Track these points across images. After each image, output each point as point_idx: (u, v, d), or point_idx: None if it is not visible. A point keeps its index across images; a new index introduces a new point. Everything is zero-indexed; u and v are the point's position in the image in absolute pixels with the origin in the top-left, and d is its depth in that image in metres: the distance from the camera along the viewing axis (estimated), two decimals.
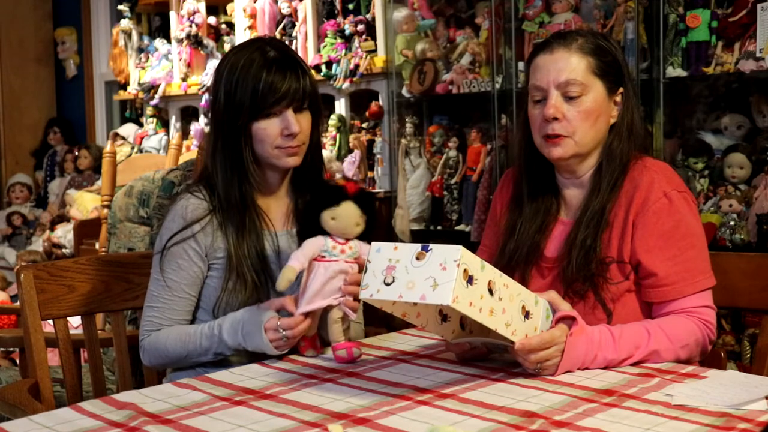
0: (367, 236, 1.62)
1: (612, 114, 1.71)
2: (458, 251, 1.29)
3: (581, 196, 1.73)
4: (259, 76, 1.66)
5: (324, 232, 1.60)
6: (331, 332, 1.61)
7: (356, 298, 1.59)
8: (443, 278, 1.28)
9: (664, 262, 1.62)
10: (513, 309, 1.41)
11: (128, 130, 5.18)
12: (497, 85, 3.24)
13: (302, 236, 1.62)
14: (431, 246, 1.32)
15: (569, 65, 1.65)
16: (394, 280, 1.32)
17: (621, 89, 1.71)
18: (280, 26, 4.12)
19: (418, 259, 1.32)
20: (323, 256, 1.59)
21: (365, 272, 1.37)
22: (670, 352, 1.55)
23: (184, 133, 4.74)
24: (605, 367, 1.50)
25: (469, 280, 1.31)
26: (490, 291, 1.36)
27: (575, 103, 1.65)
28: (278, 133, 1.69)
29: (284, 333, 1.57)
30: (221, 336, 1.64)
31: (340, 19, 3.86)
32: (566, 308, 1.50)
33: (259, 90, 1.65)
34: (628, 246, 1.64)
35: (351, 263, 1.60)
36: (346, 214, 1.58)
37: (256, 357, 1.64)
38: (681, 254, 1.62)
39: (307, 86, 1.69)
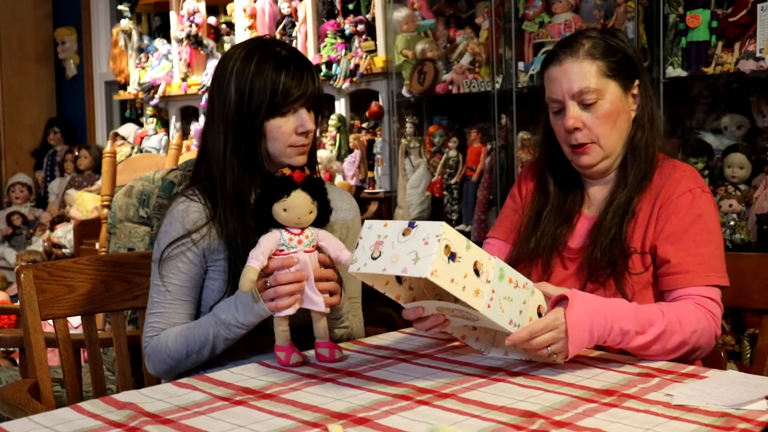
0: (320, 221, 1.61)
1: (632, 108, 1.74)
2: (440, 227, 1.33)
3: (606, 191, 1.76)
4: (277, 76, 1.67)
5: (278, 225, 1.58)
6: (316, 329, 1.60)
7: (332, 293, 1.60)
8: (424, 252, 1.32)
9: (678, 252, 1.64)
10: (507, 291, 1.42)
11: (128, 130, 5.18)
12: (497, 85, 3.24)
13: (257, 232, 1.60)
14: (417, 223, 1.37)
15: (580, 74, 1.67)
16: (380, 255, 1.38)
17: (637, 81, 1.73)
18: (280, 26, 4.12)
19: (404, 234, 1.37)
20: (281, 250, 1.57)
21: (356, 247, 1.43)
22: (678, 335, 1.54)
23: (184, 133, 4.75)
24: (620, 342, 1.50)
25: (451, 256, 1.33)
26: (476, 272, 1.37)
27: (593, 110, 1.68)
28: (292, 130, 1.71)
29: (268, 280, 1.56)
30: (217, 316, 1.64)
31: (340, 19, 3.87)
32: (558, 292, 1.50)
33: (279, 90, 1.67)
34: (651, 238, 1.67)
35: (310, 252, 1.58)
36: (298, 204, 1.56)
37: (255, 348, 1.65)
38: (696, 248, 1.64)
39: (320, 89, 1.74)
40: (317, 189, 1.58)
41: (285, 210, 1.56)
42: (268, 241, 1.56)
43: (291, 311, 1.57)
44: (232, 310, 1.62)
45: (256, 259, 1.54)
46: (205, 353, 1.67)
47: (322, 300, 1.57)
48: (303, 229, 1.58)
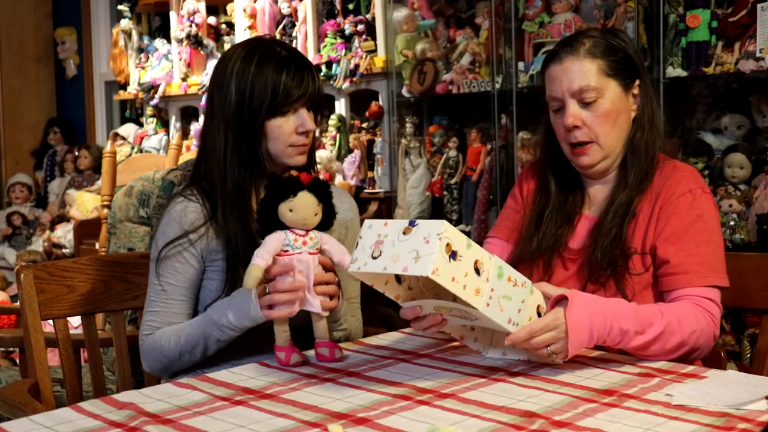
0: (325, 225, 1.60)
1: (632, 108, 1.74)
2: (441, 225, 1.33)
3: (607, 191, 1.76)
4: (278, 76, 1.67)
5: (283, 226, 1.58)
6: (316, 329, 1.60)
7: (332, 297, 1.59)
8: (425, 251, 1.32)
9: (678, 252, 1.64)
10: (505, 290, 1.42)
11: (128, 130, 5.19)
12: (497, 85, 3.24)
13: (262, 233, 1.60)
14: (418, 221, 1.37)
15: (580, 72, 1.68)
16: (380, 254, 1.37)
17: (637, 81, 1.73)
18: (280, 26, 4.12)
19: (404, 233, 1.37)
20: (286, 251, 1.57)
21: (356, 247, 1.43)
22: (677, 335, 1.54)
23: (184, 133, 4.75)
24: (619, 342, 1.50)
25: (452, 255, 1.33)
26: (477, 270, 1.37)
27: (592, 108, 1.68)
28: (293, 130, 1.71)
29: (267, 287, 1.55)
30: (210, 317, 1.64)
31: (340, 19, 3.87)
32: (558, 292, 1.50)
33: (279, 90, 1.67)
34: (651, 239, 1.67)
35: (314, 254, 1.58)
36: (303, 205, 1.56)
37: (252, 349, 1.65)
38: (696, 248, 1.64)
39: (320, 89, 1.74)
40: (323, 192, 1.59)
41: (291, 210, 1.56)
42: (274, 241, 1.56)
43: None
44: (226, 312, 1.62)
45: (261, 258, 1.54)
46: (197, 353, 1.67)
47: (319, 303, 1.57)
48: (308, 231, 1.59)
